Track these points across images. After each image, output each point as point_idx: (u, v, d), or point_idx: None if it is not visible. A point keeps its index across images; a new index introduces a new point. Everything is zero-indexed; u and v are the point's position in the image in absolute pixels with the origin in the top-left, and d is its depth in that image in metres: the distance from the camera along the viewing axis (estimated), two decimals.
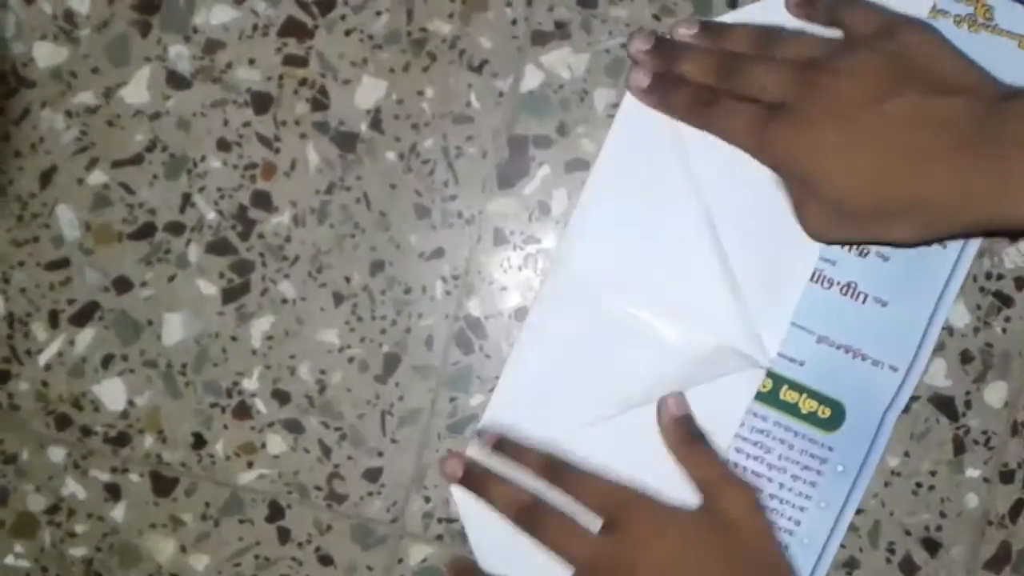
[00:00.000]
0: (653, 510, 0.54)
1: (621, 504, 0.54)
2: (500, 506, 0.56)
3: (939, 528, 0.57)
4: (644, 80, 0.56)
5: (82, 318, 0.58)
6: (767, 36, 0.55)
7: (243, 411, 0.58)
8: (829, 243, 0.56)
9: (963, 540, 0.57)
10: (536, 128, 0.58)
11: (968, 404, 0.57)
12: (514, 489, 0.55)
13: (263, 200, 0.58)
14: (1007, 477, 0.57)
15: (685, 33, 0.56)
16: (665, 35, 0.56)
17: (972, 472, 0.57)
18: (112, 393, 0.58)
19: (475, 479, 0.57)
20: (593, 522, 0.54)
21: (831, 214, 0.52)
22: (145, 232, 0.58)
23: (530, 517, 0.55)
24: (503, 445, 0.56)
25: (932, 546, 0.58)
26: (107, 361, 0.58)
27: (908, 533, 0.58)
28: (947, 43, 0.51)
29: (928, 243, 0.55)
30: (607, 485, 0.55)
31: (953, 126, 0.49)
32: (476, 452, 0.57)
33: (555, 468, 0.55)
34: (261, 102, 0.58)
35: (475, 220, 0.58)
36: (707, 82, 0.55)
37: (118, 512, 0.58)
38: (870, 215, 0.51)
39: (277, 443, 0.58)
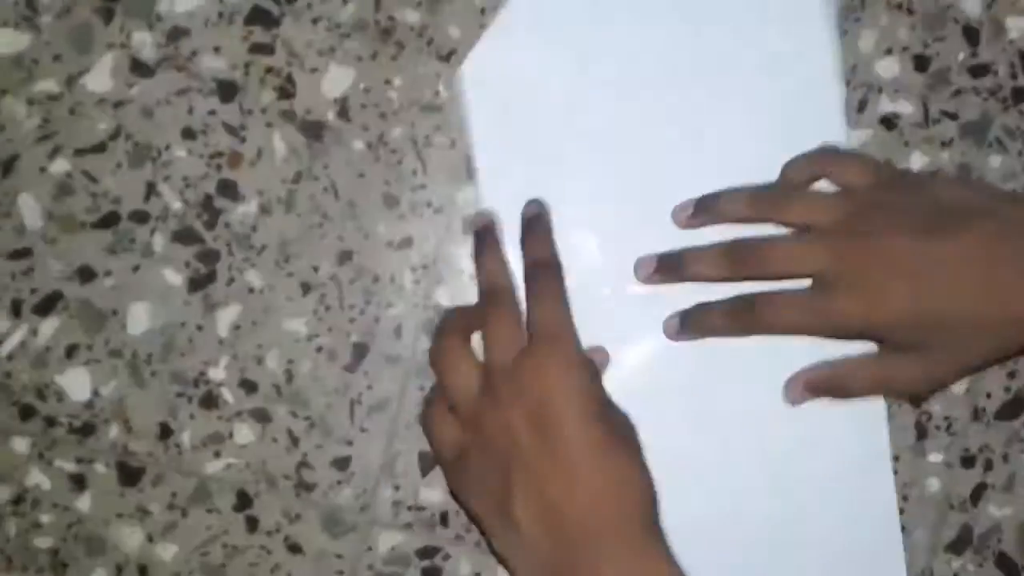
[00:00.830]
0: (575, 355, 0.52)
1: (556, 331, 0.53)
2: (481, 275, 0.56)
3: (902, 512, 0.58)
4: (673, 323, 0.56)
5: (45, 308, 0.58)
6: (766, 200, 0.55)
7: (210, 401, 0.58)
8: (928, 395, 0.58)
9: (925, 523, 0.58)
10: None
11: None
12: (504, 269, 0.55)
13: (229, 189, 0.58)
14: (968, 462, 0.58)
15: (683, 217, 0.56)
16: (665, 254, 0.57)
17: (934, 457, 0.58)
18: (77, 383, 0.58)
19: (484, 239, 0.57)
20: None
21: (922, 365, 0.53)
22: (109, 221, 0.58)
23: (493, 298, 0.55)
24: (531, 216, 0.57)
25: None
26: (71, 351, 0.58)
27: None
28: (935, 174, 0.55)
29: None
30: (563, 312, 0.53)
31: (984, 256, 0.50)
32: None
33: (547, 270, 0.55)
34: (227, 90, 0.57)
35: (444, 209, 0.58)
36: (722, 275, 0.55)
37: (84, 502, 0.58)
38: (960, 354, 0.53)
39: (245, 432, 0.58)
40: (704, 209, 0.56)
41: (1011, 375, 0.58)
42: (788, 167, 0.56)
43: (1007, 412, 0.58)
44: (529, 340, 0.53)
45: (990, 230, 0.50)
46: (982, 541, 0.58)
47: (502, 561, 0.53)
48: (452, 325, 0.55)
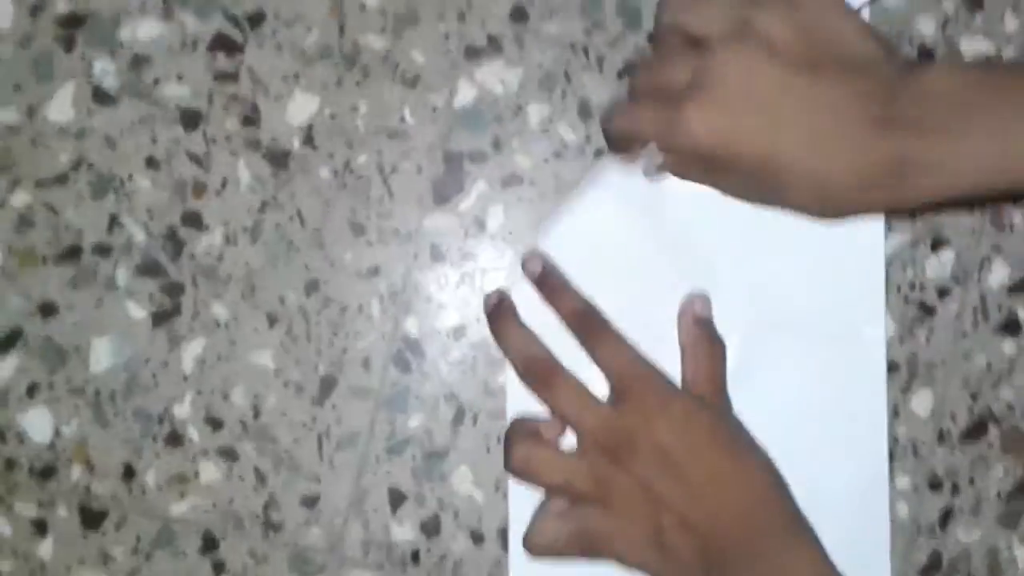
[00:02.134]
0: (664, 388, 0.54)
1: (635, 377, 0.54)
2: (518, 354, 0.55)
3: None
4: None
5: (5, 345, 0.56)
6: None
7: (175, 439, 0.56)
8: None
9: (895, 550, 0.58)
10: (471, 143, 0.58)
11: (896, 413, 0.59)
12: (535, 342, 0.55)
13: (194, 220, 0.57)
14: (935, 486, 0.59)
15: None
16: None
17: (902, 481, 0.59)
18: (38, 423, 0.56)
19: (500, 320, 0.56)
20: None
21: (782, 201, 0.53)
22: (71, 254, 0.56)
23: (541, 373, 0.54)
24: (547, 276, 0.55)
25: None
26: (32, 390, 0.56)
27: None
28: (846, 9, 0.53)
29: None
30: (629, 354, 0.54)
31: (858, 107, 0.50)
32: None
33: (589, 320, 0.55)
34: (190, 119, 0.57)
35: (412, 237, 0.57)
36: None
37: (45, 549, 0.56)
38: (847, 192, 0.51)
39: (211, 471, 0.56)
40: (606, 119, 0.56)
41: (974, 396, 0.59)
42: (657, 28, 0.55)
43: (972, 434, 0.59)
44: (612, 391, 0.54)
45: (868, 83, 0.50)
46: (952, 566, 0.58)
47: None
48: (517, 431, 0.55)
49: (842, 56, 0.51)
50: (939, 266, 0.59)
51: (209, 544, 0.56)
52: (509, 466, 0.54)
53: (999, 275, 0.59)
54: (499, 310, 0.56)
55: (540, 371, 0.55)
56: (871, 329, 0.58)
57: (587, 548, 0.54)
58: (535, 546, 0.55)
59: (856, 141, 0.50)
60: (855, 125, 0.50)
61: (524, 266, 0.56)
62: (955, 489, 0.58)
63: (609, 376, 0.54)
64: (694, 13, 0.52)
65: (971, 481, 0.59)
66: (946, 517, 0.59)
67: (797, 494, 0.55)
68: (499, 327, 0.56)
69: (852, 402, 0.58)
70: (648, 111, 0.52)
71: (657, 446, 0.52)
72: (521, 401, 0.56)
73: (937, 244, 0.59)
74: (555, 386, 0.54)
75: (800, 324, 0.57)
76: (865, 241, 0.58)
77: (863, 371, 0.58)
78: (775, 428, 0.56)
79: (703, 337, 0.56)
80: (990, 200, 0.59)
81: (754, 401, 0.56)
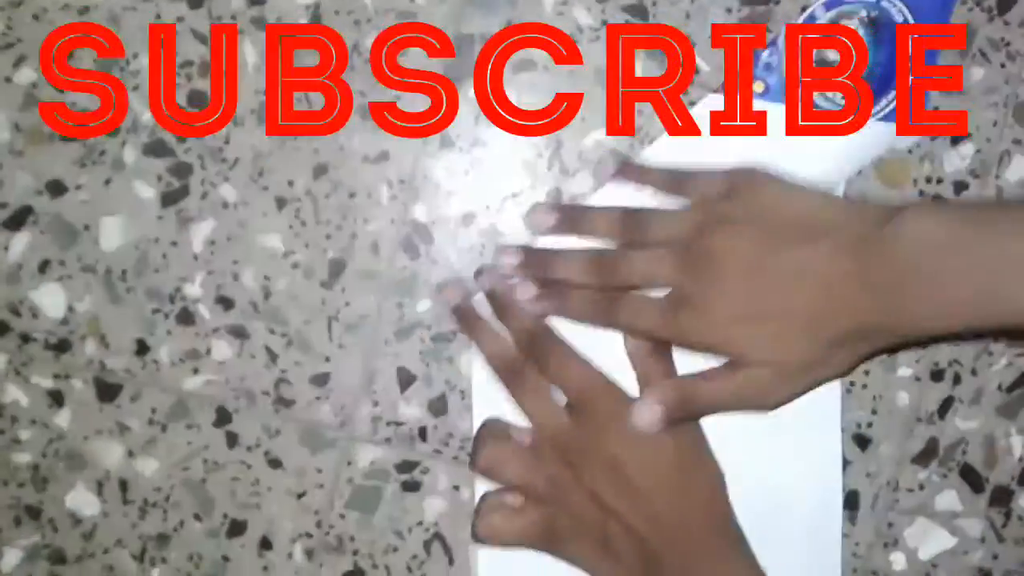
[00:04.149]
0: (616, 401, 0.55)
1: (588, 390, 0.55)
2: (487, 354, 0.56)
3: (870, 425, 0.59)
4: (531, 290, 0.55)
5: (16, 222, 0.56)
6: (631, 219, 0.55)
7: (186, 317, 0.57)
8: (775, 407, 0.55)
9: (893, 436, 0.59)
10: (483, 25, 0.56)
11: None
12: (502, 342, 0.56)
13: (200, 100, 0.56)
14: (937, 376, 0.59)
15: (543, 221, 0.56)
16: (527, 246, 0.56)
17: (904, 371, 0.59)
18: (51, 299, 0.57)
19: (467, 320, 0.57)
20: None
21: (768, 378, 0.52)
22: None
23: (507, 373, 0.56)
24: (496, 293, 0.56)
25: (863, 442, 0.59)
26: (44, 266, 0.57)
27: (841, 430, 0.60)
28: (789, 185, 0.53)
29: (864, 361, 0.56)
30: (583, 368, 0.55)
31: (825, 271, 0.50)
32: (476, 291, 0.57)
33: (539, 337, 0.56)
34: None
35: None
36: (588, 282, 0.55)
37: (62, 418, 0.58)
38: (807, 366, 0.52)
39: (223, 349, 0.58)
40: (569, 219, 0.56)
41: None
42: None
43: None
44: (569, 403, 0.55)
45: (832, 244, 0.50)
46: (948, 453, 0.60)
47: None
48: (487, 432, 0.57)
49: (813, 225, 0.51)
50: (958, 160, 0.58)
51: (223, 417, 0.58)
52: (475, 466, 0.56)
53: (1018, 170, 0.58)
54: (466, 315, 0.57)
55: (507, 370, 0.56)
56: None
57: (537, 544, 0.56)
58: (483, 535, 0.57)
59: (826, 311, 0.50)
60: (823, 294, 0.50)
61: (477, 279, 0.57)
62: (956, 379, 0.59)
63: (563, 390, 0.55)
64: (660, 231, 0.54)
65: (973, 372, 0.59)
66: (945, 406, 0.59)
67: (754, 496, 0.56)
68: (467, 326, 0.57)
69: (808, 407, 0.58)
70: (653, 311, 0.54)
71: (607, 457, 0.54)
72: (487, 397, 0.57)
73: (957, 138, 0.58)
74: (520, 386, 0.56)
75: None
76: None
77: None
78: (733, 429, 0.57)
79: (649, 347, 0.56)
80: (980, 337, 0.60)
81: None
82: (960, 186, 0.58)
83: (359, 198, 0.57)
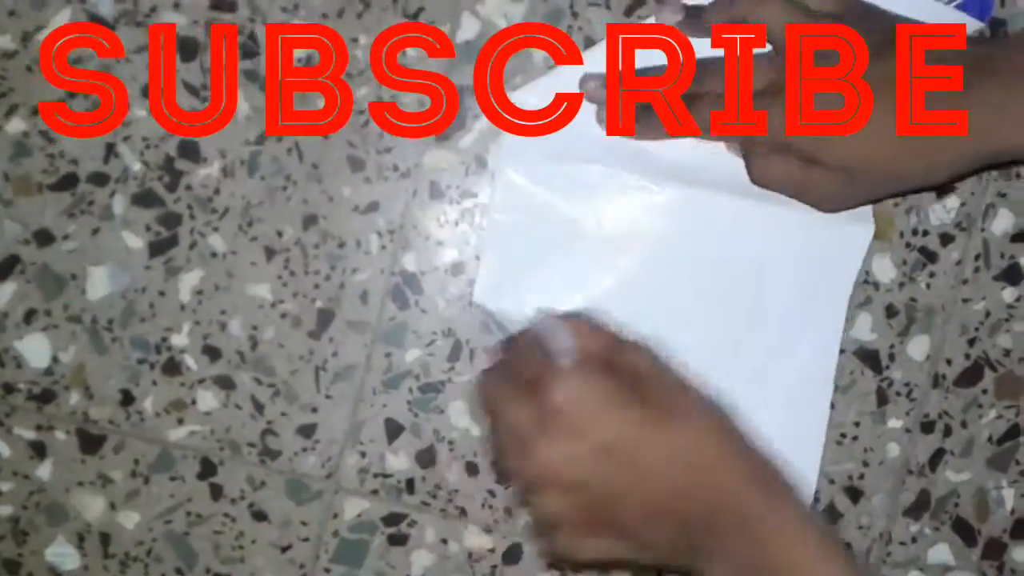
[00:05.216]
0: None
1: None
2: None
3: (862, 477, 0.59)
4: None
5: (2, 272, 0.56)
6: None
7: (172, 367, 0.57)
8: (839, 210, 0.56)
9: (884, 488, 0.59)
10: (473, 79, 0.57)
11: (892, 357, 0.59)
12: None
13: (191, 150, 0.56)
14: (927, 428, 0.59)
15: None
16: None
17: (894, 423, 0.59)
18: (35, 349, 0.57)
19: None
20: None
21: (840, 180, 0.52)
22: (67, 183, 0.56)
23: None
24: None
25: (855, 494, 0.59)
26: (29, 316, 0.56)
27: (832, 482, 0.59)
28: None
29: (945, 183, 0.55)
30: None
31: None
32: None
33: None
34: (188, 48, 0.56)
35: (411, 173, 0.57)
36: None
37: (44, 470, 0.57)
38: (885, 169, 0.52)
39: (208, 399, 0.57)
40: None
41: (971, 342, 0.59)
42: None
43: (966, 379, 0.59)
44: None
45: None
46: (939, 505, 0.59)
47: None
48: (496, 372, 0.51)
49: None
50: (943, 212, 0.58)
51: (207, 469, 0.57)
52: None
53: (1003, 223, 0.59)
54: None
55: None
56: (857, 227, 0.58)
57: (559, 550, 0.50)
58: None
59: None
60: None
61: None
62: (947, 431, 0.59)
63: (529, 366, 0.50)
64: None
65: (963, 424, 0.59)
66: (936, 458, 0.59)
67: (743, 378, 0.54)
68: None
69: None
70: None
71: (599, 444, 0.47)
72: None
73: (943, 191, 0.58)
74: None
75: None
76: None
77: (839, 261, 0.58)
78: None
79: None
80: None
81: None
82: (946, 238, 0.58)
83: (348, 248, 0.57)
